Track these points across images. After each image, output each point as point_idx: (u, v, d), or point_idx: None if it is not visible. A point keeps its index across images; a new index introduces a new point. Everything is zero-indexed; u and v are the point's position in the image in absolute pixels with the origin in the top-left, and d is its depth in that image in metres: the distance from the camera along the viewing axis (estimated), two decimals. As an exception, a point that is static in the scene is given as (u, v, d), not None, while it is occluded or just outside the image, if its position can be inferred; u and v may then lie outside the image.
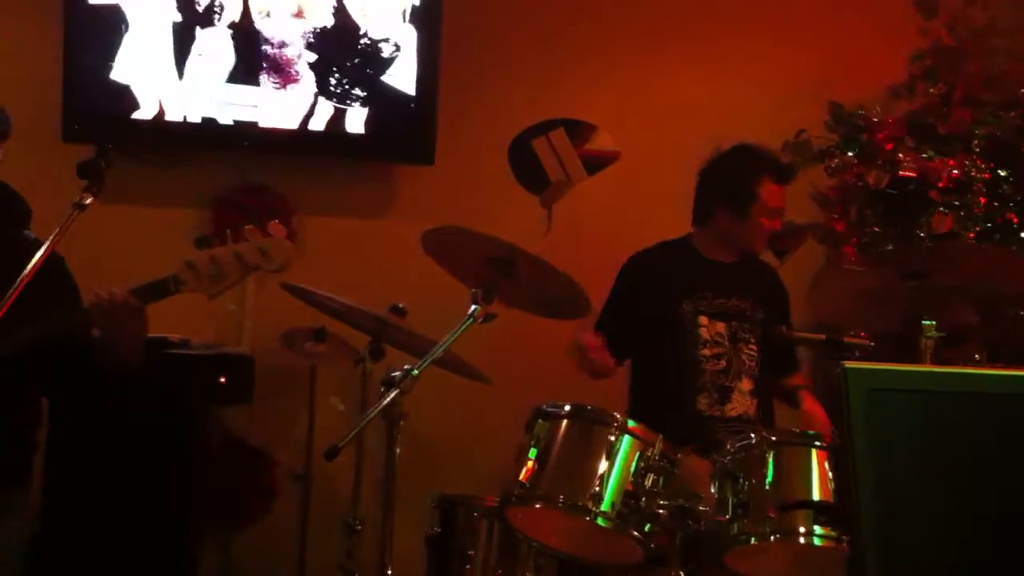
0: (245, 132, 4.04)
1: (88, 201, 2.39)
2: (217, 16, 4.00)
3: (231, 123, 4.02)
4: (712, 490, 2.58)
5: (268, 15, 4.03)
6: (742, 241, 3.29)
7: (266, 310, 3.99)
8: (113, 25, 3.93)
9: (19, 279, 2.29)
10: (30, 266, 2.32)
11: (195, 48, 3.99)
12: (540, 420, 2.66)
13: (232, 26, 4.01)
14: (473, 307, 2.77)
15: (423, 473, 3.53)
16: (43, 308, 2.40)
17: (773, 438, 2.56)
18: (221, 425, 3.82)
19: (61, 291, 2.58)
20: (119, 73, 3.95)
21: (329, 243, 4.16)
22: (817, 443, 2.54)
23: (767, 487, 2.49)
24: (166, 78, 3.98)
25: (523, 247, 2.83)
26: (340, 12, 4.05)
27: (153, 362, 2.96)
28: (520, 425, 2.79)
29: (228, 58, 4.02)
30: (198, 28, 3.99)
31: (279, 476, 3.98)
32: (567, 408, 2.64)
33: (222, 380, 3.56)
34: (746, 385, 3.20)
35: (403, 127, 4.11)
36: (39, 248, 2.39)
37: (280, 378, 3.99)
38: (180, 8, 3.97)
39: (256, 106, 4.03)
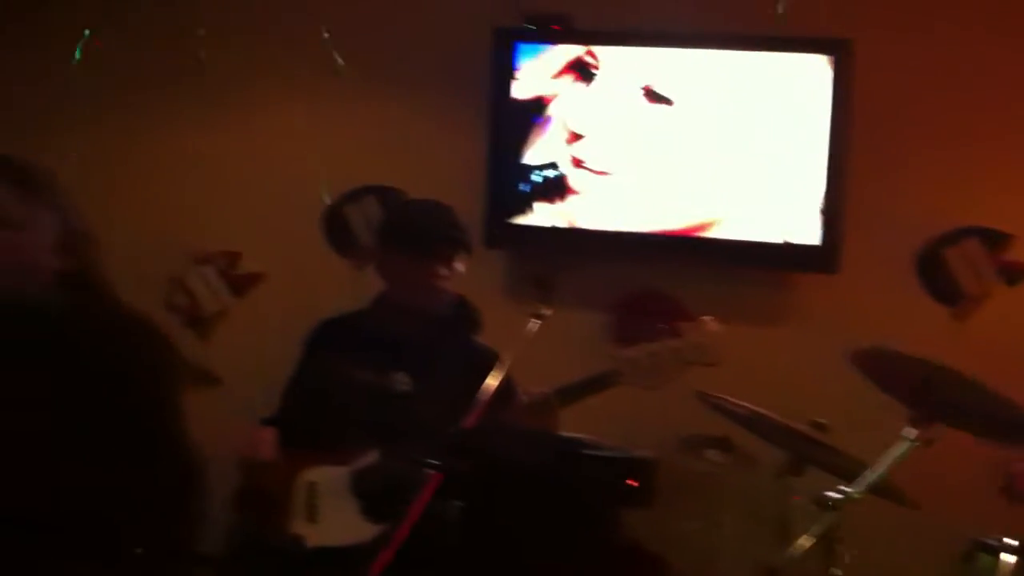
0: (644, 238, 4.15)
1: (547, 312, 2.51)
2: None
3: (633, 230, 4.15)
4: None
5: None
6: None
7: (665, 412, 4.01)
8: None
9: (482, 392, 2.41)
10: (492, 379, 2.44)
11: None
12: (982, 553, 2.57)
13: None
14: (908, 430, 2.66)
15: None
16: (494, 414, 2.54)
17: None
18: (622, 528, 3.85)
19: (507, 398, 2.73)
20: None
21: (727, 351, 4.12)
22: None
23: None
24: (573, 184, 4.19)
25: (940, 361, 2.69)
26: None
27: (567, 461, 3.06)
28: (945, 552, 2.64)
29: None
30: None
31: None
32: (1013, 544, 2.53)
33: (632, 483, 3.59)
34: None
35: (807, 235, 4.05)
36: (487, 356, 2.54)
37: (679, 484, 3.98)
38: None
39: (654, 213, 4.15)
